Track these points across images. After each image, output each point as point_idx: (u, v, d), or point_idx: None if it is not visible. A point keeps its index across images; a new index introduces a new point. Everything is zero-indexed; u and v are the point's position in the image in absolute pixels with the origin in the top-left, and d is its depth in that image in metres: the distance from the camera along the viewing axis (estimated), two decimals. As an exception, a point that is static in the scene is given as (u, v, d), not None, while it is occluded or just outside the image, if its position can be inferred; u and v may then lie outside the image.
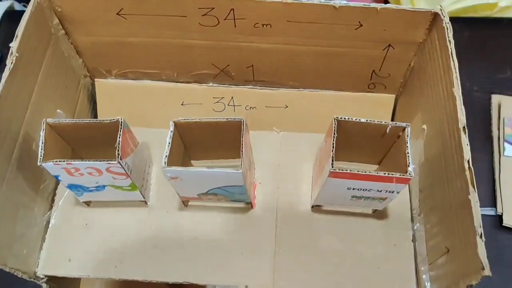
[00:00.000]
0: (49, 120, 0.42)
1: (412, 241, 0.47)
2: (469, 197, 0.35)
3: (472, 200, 0.35)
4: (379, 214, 0.48)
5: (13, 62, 0.42)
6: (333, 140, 0.40)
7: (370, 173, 0.39)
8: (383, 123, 0.41)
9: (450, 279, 0.38)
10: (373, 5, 0.44)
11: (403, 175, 0.38)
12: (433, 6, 0.44)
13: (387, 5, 0.44)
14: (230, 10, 0.46)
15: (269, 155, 0.52)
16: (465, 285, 0.35)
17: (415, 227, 0.47)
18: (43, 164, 0.40)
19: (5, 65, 0.77)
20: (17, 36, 0.43)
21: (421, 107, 0.48)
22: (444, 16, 0.42)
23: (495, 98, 0.71)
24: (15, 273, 0.43)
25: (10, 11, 0.84)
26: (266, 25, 0.48)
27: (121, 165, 0.40)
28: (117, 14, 0.48)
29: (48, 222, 0.49)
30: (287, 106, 0.58)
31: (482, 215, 0.62)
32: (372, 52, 0.50)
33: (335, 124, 0.41)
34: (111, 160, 0.40)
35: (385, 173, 0.38)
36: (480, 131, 0.70)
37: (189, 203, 0.49)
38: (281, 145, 0.53)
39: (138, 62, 0.55)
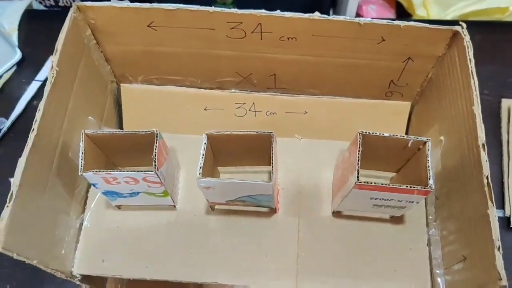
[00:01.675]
0: (88, 131, 0.45)
1: (427, 245, 0.50)
2: (488, 211, 0.37)
3: (491, 215, 0.37)
4: (396, 219, 0.51)
5: (54, 76, 0.44)
6: (358, 154, 0.42)
7: (394, 186, 0.41)
8: (405, 137, 0.43)
9: (466, 285, 0.41)
10: (397, 22, 0.46)
11: (424, 188, 0.41)
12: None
13: (410, 22, 0.46)
14: (258, 25, 0.48)
15: (291, 161, 0.54)
16: (482, 293, 0.37)
17: (430, 232, 0.50)
18: (83, 174, 0.43)
19: (27, 66, 0.79)
20: (56, 50, 0.45)
21: (438, 118, 0.50)
22: (465, 35, 0.44)
23: (505, 103, 0.73)
24: (55, 273, 0.46)
25: (29, 10, 0.85)
26: (292, 38, 0.50)
27: (157, 175, 0.43)
28: (148, 26, 0.50)
29: (82, 224, 0.52)
30: (306, 112, 0.60)
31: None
32: (392, 64, 0.52)
33: (360, 138, 0.43)
34: (148, 171, 0.42)
35: (407, 186, 0.41)
36: (490, 135, 0.72)
37: (216, 207, 0.52)
38: (303, 151, 0.55)
39: (164, 69, 0.57)
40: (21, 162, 0.40)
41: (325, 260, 0.49)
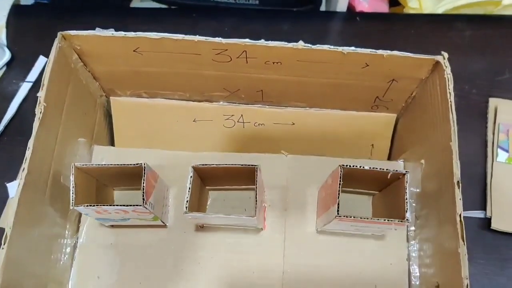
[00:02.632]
0: (78, 164, 0.46)
1: (407, 260, 0.52)
2: (458, 250, 0.40)
3: (461, 253, 0.39)
4: (378, 236, 0.53)
5: (42, 111, 0.45)
6: (339, 187, 0.44)
7: (372, 220, 0.43)
8: (385, 170, 0.45)
9: (439, 310, 0.43)
10: (380, 52, 0.46)
11: (401, 221, 0.43)
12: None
13: (393, 52, 0.46)
14: (243, 52, 0.49)
15: (277, 178, 0.56)
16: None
17: (410, 247, 0.52)
18: (75, 208, 0.44)
19: (16, 65, 0.79)
20: (43, 85, 0.45)
21: (421, 139, 0.52)
22: (446, 67, 0.45)
23: (492, 102, 0.74)
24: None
25: (16, 5, 0.84)
26: (277, 63, 0.50)
27: (146, 208, 0.45)
28: (133, 51, 0.50)
29: (77, 241, 0.54)
30: (293, 123, 0.61)
31: (472, 217, 0.67)
32: (377, 84, 0.53)
33: (340, 171, 0.44)
34: (136, 205, 0.44)
35: (385, 220, 0.43)
36: (476, 134, 0.73)
37: (204, 225, 0.54)
38: (289, 168, 0.56)
39: (152, 86, 0.58)
40: (14, 202, 0.42)
41: (310, 275, 0.52)
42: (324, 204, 0.50)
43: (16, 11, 0.83)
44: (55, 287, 0.48)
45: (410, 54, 0.46)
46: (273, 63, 0.50)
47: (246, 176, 0.48)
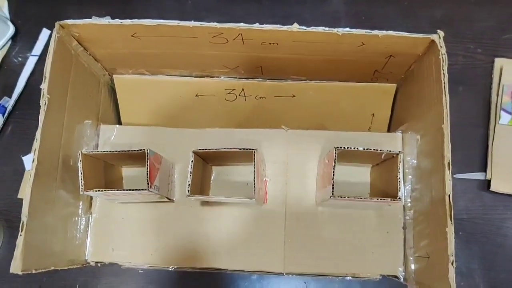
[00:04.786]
0: (84, 151, 0.48)
1: (403, 228, 0.55)
2: (446, 229, 0.42)
3: (449, 232, 0.41)
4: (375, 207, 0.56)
5: (46, 103, 0.46)
6: (333, 169, 0.46)
7: (366, 199, 0.45)
8: (378, 151, 0.46)
9: (426, 282, 0.46)
10: (375, 32, 0.46)
11: (393, 200, 0.45)
12: None
13: (388, 32, 0.46)
14: (238, 34, 0.49)
15: (278, 153, 0.57)
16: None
17: (406, 216, 0.55)
18: (85, 193, 0.47)
19: (21, 39, 0.80)
20: (45, 77, 0.47)
21: (417, 114, 0.52)
22: (441, 47, 0.45)
23: (498, 62, 0.73)
24: (70, 267, 0.53)
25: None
26: (273, 43, 0.50)
27: (151, 191, 0.47)
28: (131, 36, 0.51)
29: (90, 216, 0.57)
30: (294, 96, 0.62)
31: (472, 179, 0.69)
32: (374, 59, 0.53)
33: (335, 153, 0.46)
34: (142, 189, 0.47)
35: (378, 199, 0.45)
36: (480, 95, 0.73)
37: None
38: (289, 143, 0.58)
39: (153, 65, 0.58)
40: (27, 192, 0.45)
41: (310, 245, 0.55)
42: (322, 181, 0.52)
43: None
44: (72, 259, 0.52)
45: (405, 33, 0.46)
46: (270, 43, 0.50)
47: (246, 154, 0.50)
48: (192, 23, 0.47)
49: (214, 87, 0.62)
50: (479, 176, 0.70)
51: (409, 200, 0.54)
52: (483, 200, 0.69)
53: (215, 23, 0.47)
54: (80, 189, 0.47)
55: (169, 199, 0.55)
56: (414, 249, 0.52)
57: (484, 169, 0.70)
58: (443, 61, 0.44)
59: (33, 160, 0.45)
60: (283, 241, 0.55)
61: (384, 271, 0.54)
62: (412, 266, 0.52)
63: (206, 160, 0.53)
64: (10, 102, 0.76)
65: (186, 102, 0.63)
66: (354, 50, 0.50)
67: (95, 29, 0.49)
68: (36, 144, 0.46)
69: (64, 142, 0.51)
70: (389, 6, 0.77)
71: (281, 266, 0.55)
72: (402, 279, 0.54)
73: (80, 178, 0.47)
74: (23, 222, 0.44)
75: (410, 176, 0.54)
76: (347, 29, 0.46)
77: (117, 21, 0.48)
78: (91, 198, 0.58)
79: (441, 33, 0.45)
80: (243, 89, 0.62)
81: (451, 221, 0.42)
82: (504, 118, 0.70)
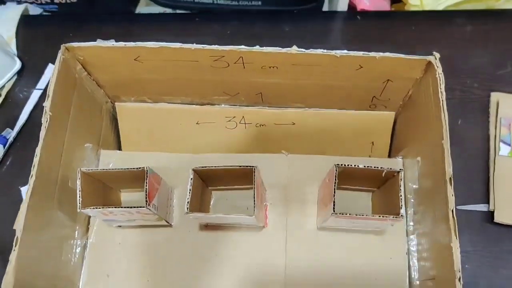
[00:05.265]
0: (84, 169, 0.48)
1: (407, 254, 0.54)
2: (451, 244, 0.41)
3: (454, 247, 0.41)
4: (378, 231, 0.54)
5: (48, 120, 0.47)
6: (334, 185, 0.45)
7: (367, 216, 0.44)
8: (379, 168, 0.46)
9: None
10: (372, 54, 0.47)
11: (396, 217, 0.44)
12: None
13: (385, 54, 0.47)
14: (239, 58, 0.50)
15: (278, 177, 0.57)
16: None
17: (409, 241, 0.54)
18: (82, 211, 0.47)
19: (26, 74, 0.82)
20: (48, 96, 0.48)
21: (417, 137, 0.53)
22: (437, 67, 0.46)
23: (494, 96, 0.74)
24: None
25: (25, 16, 0.86)
26: (273, 67, 0.52)
27: (149, 210, 0.46)
28: (134, 59, 0.52)
29: (86, 242, 0.56)
30: (294, 123, 0.62)
31: (476, 211, 0.68)
32: (372, 85, 0.54)
33: (336, 170, 0.46)
34: (140, 207, 0.46)
35: (380, 216, 0.44)
36: (479, 128, 0.73)
37: (208, 224, 0.56)
38: (289, 167, 0.58)
39: (155, 92, 0.59)
40: (23, 207, 0.44)
41: (311, 270, 0.54)
42: (323, 202, 0.51)
43: (25, 21, 0.86)
44: (66, 287, 0.51)
45: (402, 55, 0.47)
46: (270, 67, 0.52)
47: (246, 176, 0.50)
48: (194, 46, 0.49)
49: (214, 115, 0.63)
50: (482, 207, 0.69)
51: (411, 224, 0.53)
52: (487, 231, 0.68)
53: (216, 46, 0.49)
54: (78, 207, 0.47)
55: (168, 222, 0.54)
56: (419, 274, 0.50)
57: (487, 200, 0.69)
58: (439, 80, 0.45)
59: (31, 176, 0.45)
60: (284, 265, 0.54)
61: (388, 300, 0.52)
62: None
63: (205, 182, 0.53)
64: (12, 134, 0.76)
65: (186, 130, 0.63)
66: (352, 74, 0.51)
67: (99, 52, 0.51)
68: (35, 160, 0.46)
69: (63, 162, 0.51)
70: (386, 43, 0.79)
71: (282, 293, 0.53)
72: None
73: (78, 196, 0.47)
74: (17, 237, 0.43)
75: (412, 200, 0.53)
76: (345, 51, 0.47)
77: (121, 44, 0.49)
78: (88, 222, 0.57)
79: (437, 55, 0.47)
80: (243, 117, 0.62)
81: (456, 236, 0.41)
82: (504, 149, 0.70)
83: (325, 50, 0.48)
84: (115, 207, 0.46)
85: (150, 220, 0.52)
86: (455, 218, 0.42)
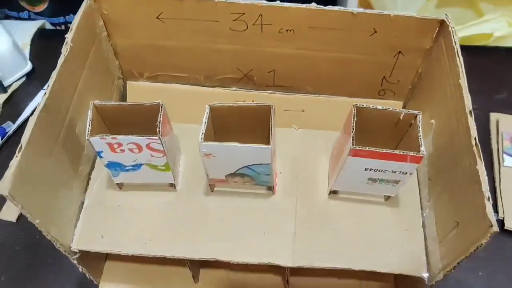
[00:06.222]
0: (96, 102, 0.47)
1: (422, 226, 0.51)
2: (477, 167, 0.39)
3: (480, 170, 0.39)
4: (391, 203, 0.52)
5: (68, 50, 0.47)
6: (353, 122, 0.45)
7: (387, 151, 0.43)
8: (397, 110, 0.46)
9: (460, 249, 0.41)
10: (387, 12, 0.50)
11: (416, 154, 0.43)
12: None
13: (400, 12, 0.50)
14: (259, 16, 0.52)
15: (289, 149, 0.56)
16: (475, 247, 0.38)
17: (424, 214, 0.51)
18: (90, 139, 0.45)
19: (36, 77, 0.83)
20: (71, 29, 0.48)
21: (428, 106, 0.53)
22: (449, 22, 0.48)
23: (494, 116, 0.77)
24: (54, 243, 0.46)
25: (41, 29, 0.90)
26: (290, 31, 0.54)
27: (160, 141, 0.45)
28: (156, 17, 0.54)
29: (83, 203, 0.53)
30: (303, 110, 0.63)
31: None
32: (383, 58, 0.56)
33: (354, 110, 0.45)
34: (152, 136, 0.44)
35: (400, 152, 0.43)
36: (481, 143, 0.74)
37: (215, 189, 0.53)
38: (300, 140, 0.57)
39: (169, 65, 0.60)
40: (32, 120, 0.42)
41: (322, 239, 0.50)
42: (336, 159, 0.50)
43: (41, 33, 0.89)
44: (57, 235, 0.46)
45: (416, 15, 0.50)
46: (287, 31, 0.54)
47: (258, 129, 0.49)
48: (217, -1, 0.51)
49: (225, 98, 0.63)
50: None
51: (426, 194, 0.52)
52: (499, 238, 0.65)
53: (238, 0, 0.51)
54: (86, 135, 0.45)
55: (172, 185, 0.52)
56: (438, 233, 0.47)
57: (495, 209, 0.67)
58: (453, 33, 0.47)
59: (44, 94, 0.44)
60: (293, 233, 0.50)
61: (405, 270, 0.48)
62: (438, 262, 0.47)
63: (216, 132, 0.51)
64: (12, 127, 0.75)
65: (196, 112, 0.63)
66: (366, 41, 0.53)
67: (124, 5, 0.52)
68: (50, 81, 0.45)
69: (74, 105, 0.50)
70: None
71: (291, 259, 0.49)
72: (426, 281, 0.48)
73: (88, 125, 0.45)
74: (21, 145, 0.41)
75: (426, 168, 0.52)
76: (361, 9, 0.50)
77: (147, -5, 0.51)
78: (87, 183, 0.54)
79: (449, 15, 0.49)
80: (253, 101, 0.62)
81: (481, 160, 0.40)
82: (508, 161, 0.71)
83: (342, 8, 0.50)
84: (125, 135, 0.44)
85: (156, 168, 0.49)
86: (479, 145, 0.41)
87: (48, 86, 0.45)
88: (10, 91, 0.80)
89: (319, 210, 0.52)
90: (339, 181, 0.49)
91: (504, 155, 0.71)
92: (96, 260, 0.56)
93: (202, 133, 0.45)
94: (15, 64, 0.80)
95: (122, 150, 0.46)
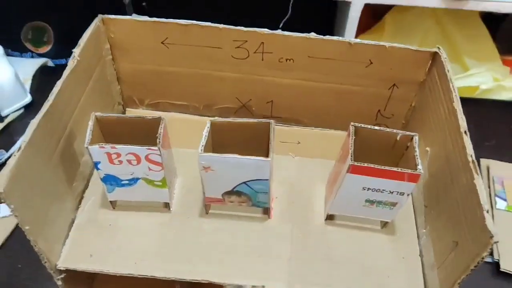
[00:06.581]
0: (97, 114, 0.47)
1: (420, 255, 0.50)
2: (474, 181, 0.40)
3: (477, 183, 0.39)
4: (387, 230, 0.52)
5: (75, 63, 0.48)
6: (351, 140, 0.45)
7: (385, 168, 0.43)
8: (394, 131, 0.47)
9: (460, 269, 0.41)
10: (383, 43, 0.52)
11: (413, 171, 0.43)
12: None
13: (394, 44, 0.53)
14: (260, 44, 0.54)
15: (285, 175, 0.56)
16: (476, 262, 0.38)
17: (421, 242, 0.51)
18: (89, 147, 0.44)
19: (34, 109, 0.83)
20: (79, 44, 0.50)
21: (423, 137, 0.54)
22: (442, 53, 0.51)
23: (484, 162, 0.78)
24: (41, 256, 0.45)
25: (43, 66, 0.92)
26: (289, 60, 0.56)
27: (160, 152, 0.45)
28: (161, 42, 0.56)
29: (73, 221, 0.51)
30: (299, 143, 0.64)
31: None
32: (379, 90, 0.58)
33: (352, 129, 0.46)
34: (152, 146, 0.44)
35: (398, 169, 0.43)
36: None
37: (210, 211, 0.52)
38: (296, 166, 0.57)
39: (170, 92, 0.62)
40: (33, 123, 0.42)
41: (318, 264, 0.49)
42: (334, 180, 0.50)
43: (42, 70, 0.91)
44: (44, 248, 0.45)
45: (409, 46, 0.52)
46: (286, 60, 0.56)
47: (257, 145, 0.49)
48: (221, 25, 0.53)
49: (222, 128, 0.64)
50: (487, 259, 0.66)
51: (423, 222, 0.51)
52: (495, 282, 0.64)
53: (241, 27, 0.53)
54: (86, 143, 0.45)
55: (167, 205, 0.51)
56: (435, 258, 0.46)
57: (489, 252, 0.67)
58: (445, 62, 0.50)
59: (47, 100, 0.45)
60: (288, 257, 0.49)
61: (404, 297, 0.47)
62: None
63: (215, 148, 0.51)
64: (5, 156, 0.75)
65: (194, 140, 0.63)
66: (362, 72, 0.55)
67: (132, 28, 0.55)
68: (55, 89, 0.46)
69: (75, 118, 0.50)
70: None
71: (286, 283, 0.47)
72: (425, 309, 0.46)
73: (88, 134, 0.45)
74: (21, 146, 0.40)
75: (422, 196, 0.52)
76: (358, 39, 0.53)
77: (154, 19, 0.54)
78: (79, 202, 0.53)
79: (442, 48, 0.52)
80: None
81: (478, 174, 0.40)
82: (500, 203, 0.71)
83: (340, 38, 0.53)
84: (124, 145, 0.44)
85: (153, 184, 0.49)
86: (475, 162, 0.41)
87: (52, 93, 0.45)
88: (6, 121, 0.80)
89: (315, 235, 0.51)
90: (336, 203, 0.49)
91: (496, 198, 0.72)
92: (82, 282, 0.53)
93: (202, 145, 0.45)
94: (14, 95, 0.80)
95: (120, 162, 0.46)
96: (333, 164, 0.56)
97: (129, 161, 0.46)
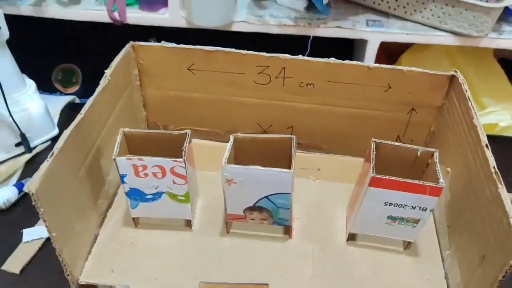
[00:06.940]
0: (125, 129, 0.49)
1: (445, 277, 0.49)
2: (498, 190, 0.40)
3: (502, 193, 0.39)
4: (411, 252, 0.51)
5: (106, 82, 0.51)
6: (373, 155, 0.46)
7: (406, 181, 0.44)
8: (414, 147, 0.47)
9: (488, 281, 0.40)
10: (400, 67, 0.54)
11: (435, 185, 0.43)
12: None
13: (412, 68, 0.54)
14: (282, 69, 0.57)
15: (306, 196, 0.57)
16: (505, 271, 0.37)
17: (446, 265, 0.50)
18: (116, 159, 0.46)
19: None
20: (111, 66, 0.53)
21: (442, 159, 0.55)
22: (459, 76, 0.52)
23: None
24: (64, 268, 0.45)
25: (71, 103, 0.96)
26: (310, 85, 0.58)
27: (185, 164, 0.46)
28: (187, 68, 0.59)
29: (96, 237, 0.52)
30: (319, 169, 0.64)
31: None
32: (397, 115, 0.59)
33: (373, 144, 0.47)
34: (177, 158, 0.46)
35: (419, 182, 0.44)
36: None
37: (231, 230, 0.53)
38: (317, 189, 0.58)
39: (194, 118, 0.64)
40: (66, 132, 0.44)
41: (341, 283, 0.48)
42: (354, 199, 0.50)
43: (70, 106, 0.95)
44: (68, 260, 0.45)
45: (428, 70, 0.54)
46: (307, 84, 0.58)
47: (279, 161, 0.49)
48: (244, 51, 0.56)
49: (243, 155, 0.65)
50: None
51: (446, 243, 0.51)
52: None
53: (264, 53, 0.56)
54: (114, 155, 0.46)
55: (188, 223, 0.52)
56: (462, 277, 0.45)
57: None
58: (463, 83, 0.51)
59: (80, 113, 0.47)
60: (310, 275, 0.49)
61: (430, 318, 0.45)
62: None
63: (239, 163, 0.52)
64: (30, 184, 0.76)
65: (215, 165, 0.65)
66: (380, 97, 0.57)
67: (160, 55, 0.58)
68: (87, 104, 0.48)
69: (103, 136, 0.52)
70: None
71: (308, 301, 0.46)
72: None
73: (116, 147, 0.47)
74: (53, 152, 0.42)
75: (444, 217, 0.52)
76: (377, 64, 0.55)
77: (181, 46, 0.57)
78: (103, 220, 0.54)
79: (459, 72, 0.53)
80: (271, 157, 0.65)
81: (502, 184, 0.40)
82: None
83: (359, 62, 0.55)
84: (151, 157, 0.46)
85: (177, 199, 0.49)
86: (498, 173, 0.42)
87: (84, 107, 0.47)
88: (34, 152, 0.82)
89: (337, 255, 0.50)
90: (358, 220, 0.49)
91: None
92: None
93: (225, 158, 0.46)
94: (43, 128, 0.83)
95: (146, 174, 0.47)
96: (353, 187, 0.56)
97: (154, 174, 0.47)
